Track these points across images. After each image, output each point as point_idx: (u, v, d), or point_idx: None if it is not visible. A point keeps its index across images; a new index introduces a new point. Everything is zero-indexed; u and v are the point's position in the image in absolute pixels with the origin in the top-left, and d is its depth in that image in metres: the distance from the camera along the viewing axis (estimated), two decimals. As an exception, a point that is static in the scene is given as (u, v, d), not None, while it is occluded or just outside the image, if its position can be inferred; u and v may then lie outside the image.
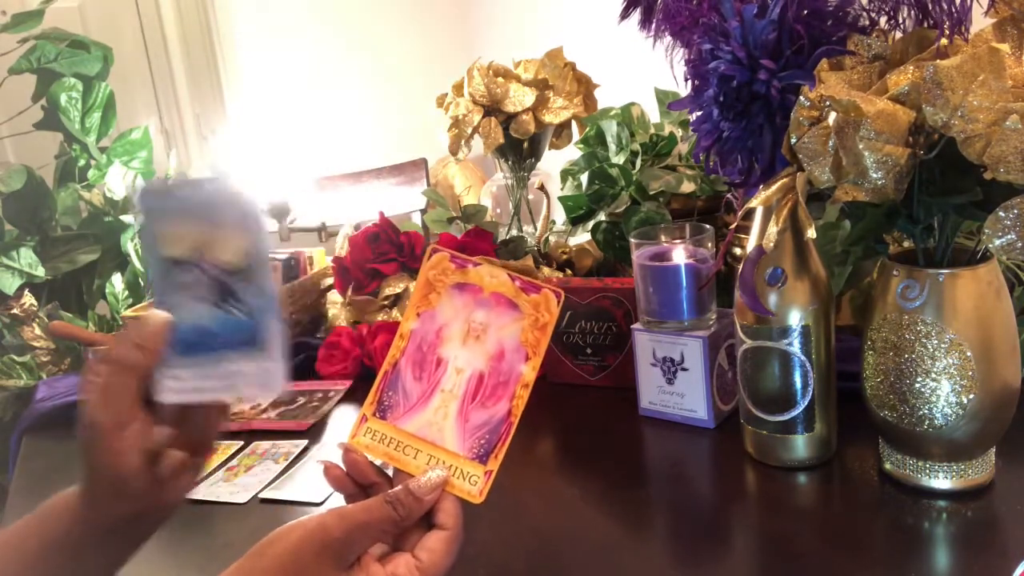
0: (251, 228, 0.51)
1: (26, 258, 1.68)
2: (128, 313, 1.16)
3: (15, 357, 1.36)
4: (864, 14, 0.66)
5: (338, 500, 0.79)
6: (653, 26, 0.79)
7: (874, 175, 0.58)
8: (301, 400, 1.02)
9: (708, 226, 0.86)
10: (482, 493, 0.49)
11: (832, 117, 0.60)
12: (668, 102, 1.12)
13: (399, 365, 0.52)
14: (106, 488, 0.50)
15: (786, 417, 0.73)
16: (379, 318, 1.13)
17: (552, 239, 1.24)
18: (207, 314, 0.51)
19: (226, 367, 0.51)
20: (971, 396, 0.64)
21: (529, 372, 0.51)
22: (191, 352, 0.51)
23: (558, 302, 0.52)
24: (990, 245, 0.56)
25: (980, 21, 0.61)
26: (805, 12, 0.64)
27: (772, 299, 0.71)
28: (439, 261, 0.53)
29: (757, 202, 0.67)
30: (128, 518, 0.52)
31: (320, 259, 1.28)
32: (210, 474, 0.86)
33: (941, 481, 0.68)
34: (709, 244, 0.84)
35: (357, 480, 0.51)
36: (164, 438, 0.51)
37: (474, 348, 0.51)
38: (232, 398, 0.52)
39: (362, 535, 0.45)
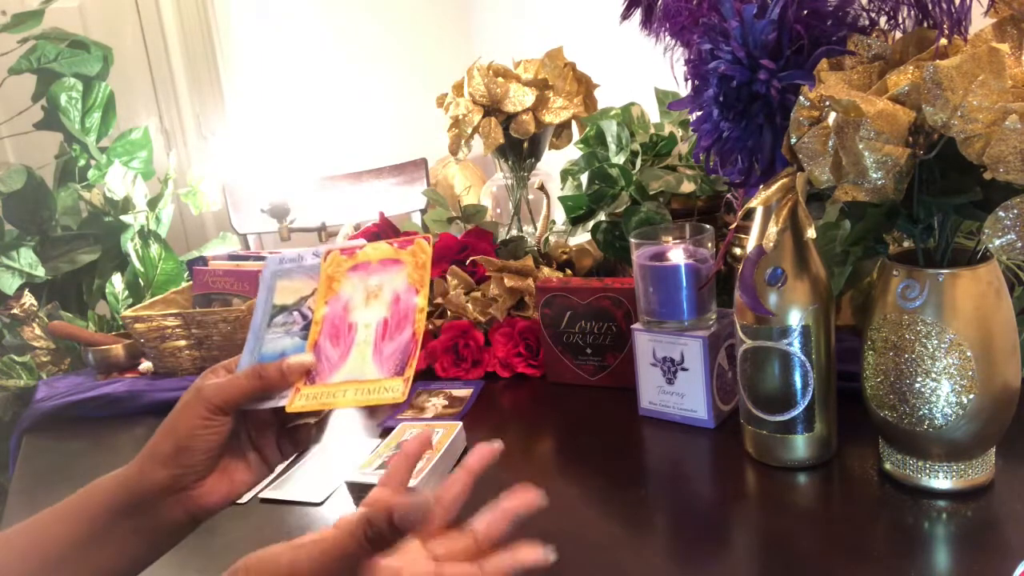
0: None
1: (26, 258, 1.68)
2: (128, 313, 1.16)
3: (15, 357, 1.36)
4: (864, 14, 0.66)
5: (339, 501, 0.79)
6: (653, 26, 0.79)
7: (874, 175, 0.58)
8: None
9: (708, 226, 0.86)
10: (404, 394, 0.55)
11: (832, 117, 0.60)
12: (668, 102, 1.11)
13: (319, 344, 0.59)
14: (168, 445, 0.55)
15: (786, 417, 0.73)
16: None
17: (552, 239, 1.24)
18: (291, 344, 0.61)
19: None
20: (971, 396, 0.64)
21: (422, 300, 0.58)
22: None
23: (429, 243, 0.60)
24: (990, 245, 0.56)
25: (980, 21, 0.61)
26: (805, 12, 0.64)
27: (772, 299, 0.71)
28: (333, 259, 0.62)
29: (757, 202, 0.67)
30: (160, 491, 0.54)
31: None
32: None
33: (941, 481, 0.68)
34: (709, 244, 0.84)
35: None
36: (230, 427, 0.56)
37: (375, 305, 0.59)
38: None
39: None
